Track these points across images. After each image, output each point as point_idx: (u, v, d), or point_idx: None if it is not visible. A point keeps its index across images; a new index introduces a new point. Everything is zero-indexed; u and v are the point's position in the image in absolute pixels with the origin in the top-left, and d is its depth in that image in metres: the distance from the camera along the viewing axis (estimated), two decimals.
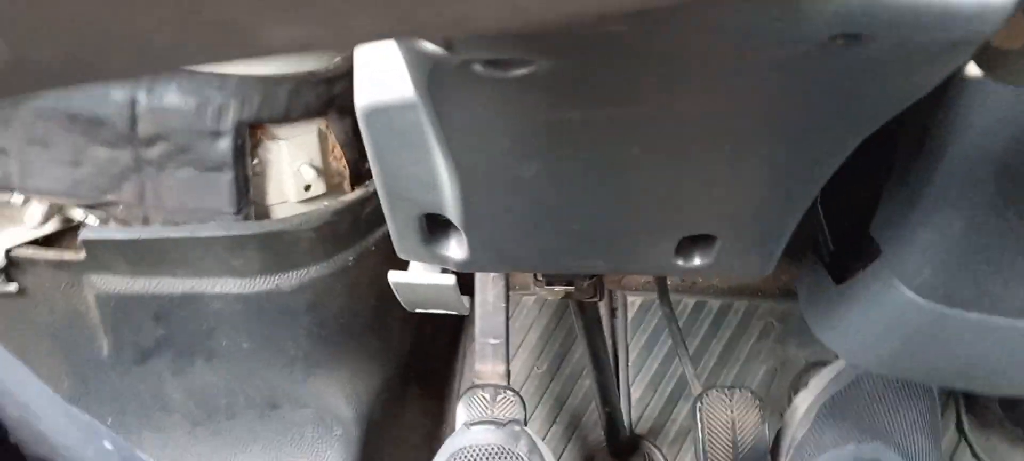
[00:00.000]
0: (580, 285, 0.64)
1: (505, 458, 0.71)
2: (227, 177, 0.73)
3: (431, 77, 0.30)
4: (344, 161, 0.81)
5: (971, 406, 1.01)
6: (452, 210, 0.43)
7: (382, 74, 0.38)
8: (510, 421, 0.75)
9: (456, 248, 0.48)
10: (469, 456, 0.71)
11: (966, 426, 1.00)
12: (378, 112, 0.39)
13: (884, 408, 0.80)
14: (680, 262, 0.48)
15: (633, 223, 0.44)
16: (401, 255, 0.50)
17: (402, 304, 0.56)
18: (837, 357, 0.89)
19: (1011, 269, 0.44)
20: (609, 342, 1.08)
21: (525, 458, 0.72)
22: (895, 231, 0.49)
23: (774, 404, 1.00)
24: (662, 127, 0.34)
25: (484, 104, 0.33)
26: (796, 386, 0.99)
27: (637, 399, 1.03)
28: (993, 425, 1.01)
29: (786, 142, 0.37)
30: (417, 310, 0.59)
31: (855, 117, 0.34)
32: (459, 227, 0.45)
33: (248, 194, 0.75)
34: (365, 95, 0.39)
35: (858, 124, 0.35)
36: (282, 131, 0.75)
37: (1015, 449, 0.99)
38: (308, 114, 0.76)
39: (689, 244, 0.47)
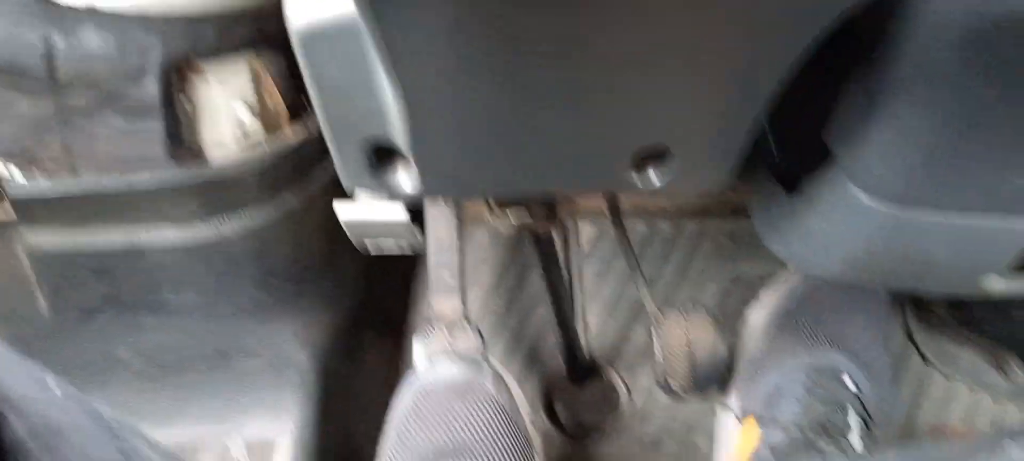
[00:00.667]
0: (535, 212, 0.62)
1: (470, 391, 0.70)
2: (157, 123, 0.70)
3: None
4: (280, 100, 0.78)
5: (919, 311, 1.04)
6: (400, 137, 0.41)
7: None
8: (471, 354, 0.74)
9: (406, 178, 0.46)
10: (433, 392, 0.70)
11: (914, 330, 1.02)
12: (315, 35, 0.37)
13: (837, 318, 0.81)
14: (635, 179, 0.47)
15: (587, 138, 0.43)
16: (348, 189, 0.48)
17: (353, 243, 0.54)
18: (789, 271, 0.90)
19: (967, 165, 0.44)
20: (564, 270, 1.08)
21: (490, 390, 0.71)
22: (848, 135, 0.48)
23: (729, 321, 1.01)
24: (614, 34, 0.33)
25: (433, 19, 0.31)
26: (750, 301, 1.01)
27: (594, 325, 1.03)
28: (940, 328, 1.04)
29: (734, 45, 0.36)
30: (368, 246, 0.57)
31: (800, 15, 0.33)
32: (408, 155, 0.43)
33: (181, 139, 0.72)
34: (300, 16, 0.36)
35: (804, 23, 0.34)
36: (212, 71, 0.72)
37: (962, 349, 1.02)
38: (238, 52, 0.72)
39: (644, 160, 0.46)
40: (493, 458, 0.68)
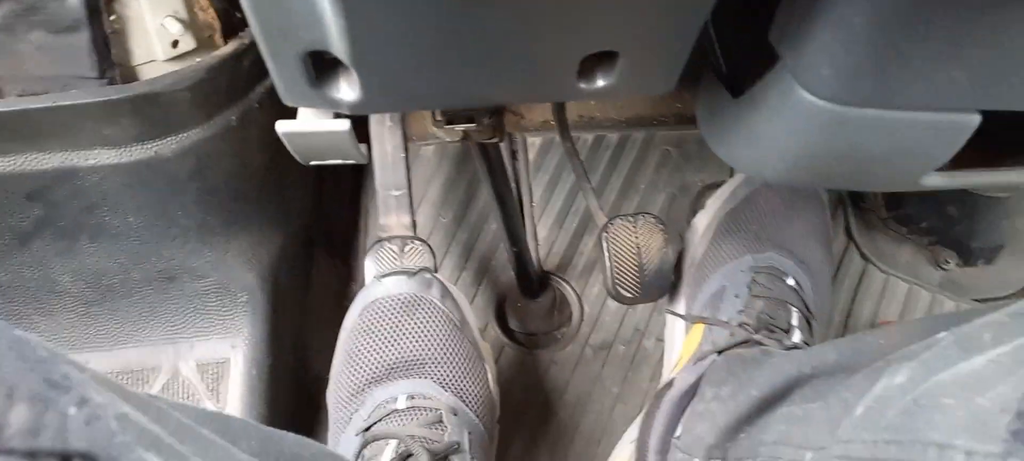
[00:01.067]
0: (481, 123, 0.61)
1: (419, 306, 0.71)
2: (84, 37, 0.66)
3: None
4: (212, 12, 0.75)
5: (858, 212, 1.06)
6: (338, 46, 0.40)
7: None
8: (420, 269, 0.74)
9: (347, 89, 0.45)
10: (382, 308, 0.70)
11: (854, 230, 1.05)
12: None
13: (777, 220, 0.82)
14: (583, 85, 0.46)
15: (535, 45, 0.42)
16: (287, 102, 0.47)
17: (295, 157, 0.53)
18: (734, 178, 0.91)
19: (909, 60, 0.45)
20: (512, 184, 1.07)
21: (439, 304, 0.71)
22: (793, 36, 0.48)
23: (676, 226, 1.03)
24: None
25: None
26: (695, 208, 1.02)
27: (544, 237, 1.04)
28: (878, 227, 1.06)
29: None
30: (313, 163, 0.56)
31: None
32: (348, 64, 0.42)
33: (110, 55, 0.69)
34: None
35: None
36: None
37: (899, 247, 1.06)
38: None
39: (591, 65, 0.45)
40: (442, 370, 0.69)
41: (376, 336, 0.69)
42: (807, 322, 0.76)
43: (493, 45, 0.41)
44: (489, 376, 0.74)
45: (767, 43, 0.52)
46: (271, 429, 0.54)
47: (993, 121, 0.50)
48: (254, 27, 0.40)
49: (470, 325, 0.74)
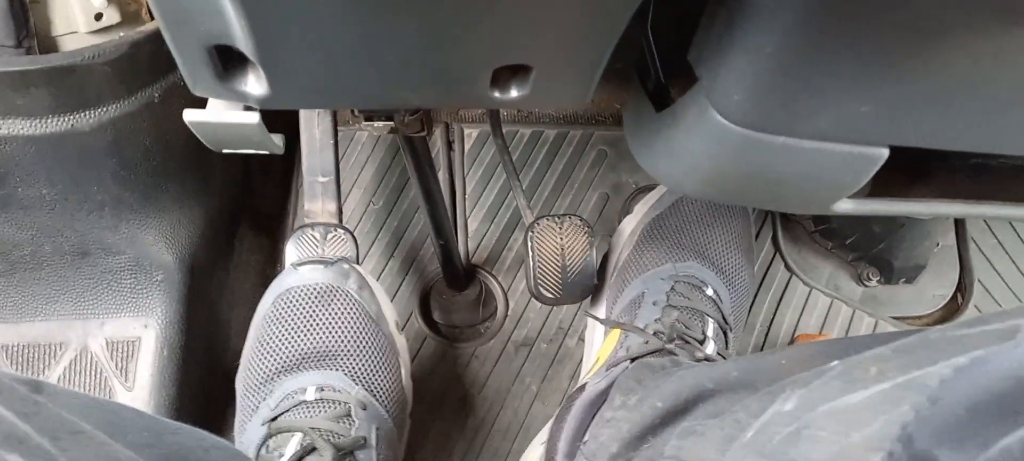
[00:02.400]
0: (403, 119, 0.61)
1: (334, 296, 0.70)
2: (1, 5, 0.64)
3: None
4: None
5: (785, 224, 1.08)
6: (242, 41, 0.39)
7: None
8: (339, 259, 0.73)
9: (255, 83, 0.44)
10: (295, 296, 0.69)
11: (781, 241, 1.07)
12: None
13: (700, 228, 0.83)
14: (497, 94, 0.46)
15: (445, 55, 0.41)
16: (195, 92, 0.45)
17: (207, 145, 0.52)
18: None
19: (818, 92, 0.45)
20: (446, 175, 1.07)
21: (355, 295, 0.70)
22: (709, 58, 0.48)
23: (606, 227, 1.03)
24: None
25: None
26: (626, 210, 1.03)
27: (474, 230, 1.04)
28: (804, 240, 1.08)
29: None
30: (225, 150, 0.55)
31: None
32: (252, 60, 0.41)
33: (28, 24, 0.67)
34: None
35: None
36: None
37: (823, 261, 1.08)
38: None
39: (506, 75, 0.45)
40: (354, 363, 0.68)
41: (288, 325, 0.68)
42: (723, 333, 0.78)
43: (400, 50, 0.41)
44: (402, 371, 0.73)
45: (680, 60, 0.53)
46: (167, 421, 0.53)
47: (903, 152, 0.52)
48: (158, 17, 0.39)
49: (386, 318, 0.73)
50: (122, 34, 0.71)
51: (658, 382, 0.64)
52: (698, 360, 0.71)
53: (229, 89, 0.44)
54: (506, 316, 1.00)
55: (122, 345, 0.84)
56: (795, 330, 1.03)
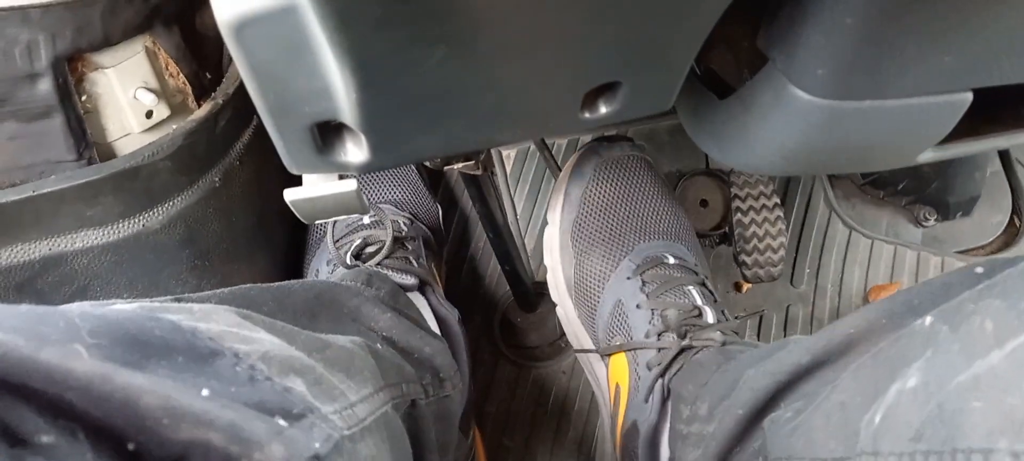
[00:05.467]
0: (475, 159, 0.61)
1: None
2: (57, 122, 0.65)
3: None
4: (182, 77, 0.74)
5: (835, 181, 1.08)
6: (348, 115, 0.40)
7: None
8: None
9: (355, 151, 0.44)
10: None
11: (833, 200, 1.06)
12: (250, 24, 0.34)
13: (621, 209, 0.83)
14: (587, 115, 0.46)
15: (541, 88, 0.42)
16: (293, 171, 0.46)
17: (301, 219, 0.52)
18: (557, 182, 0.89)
19: (900, 53, 0.45)
20: (495, 200, 1.07)
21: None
22: (783, 40, 0.48)
23: None
24: None
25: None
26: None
27: (533, 248, 1.04)
28: (855, 194, 1.08)
29: None
30: (316, 221, 0.55)
31: None
32: (357, 130, 0.41)
33: (86, 136, 0.68)
34: (228, 6, 0.34)
35: None
36: (106, 58, 0.67)
37: (879, 211, 1.08)
38: (130, 33, 0.68)
39: (594, 96, 0.45)
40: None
41: None
42: (703, 286, 0.77)
43: (500, 94, 0.41)
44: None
45: (742, 44, 0.53)
46: (279, 284, 0.60)
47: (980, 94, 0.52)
48: (260, 107, 0.40)
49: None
50: (174, 127, 0.72)
51: (719, 383, 0.62)
52: (703, 329, 0.71)
53: (328, 162, 0.45)
54: None
55: None
56: (865, 285, 1.02)
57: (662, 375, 0.70)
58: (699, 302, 0.74)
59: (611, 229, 0.81)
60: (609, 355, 0.78)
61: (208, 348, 0.40)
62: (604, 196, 0.82)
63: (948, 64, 0.47)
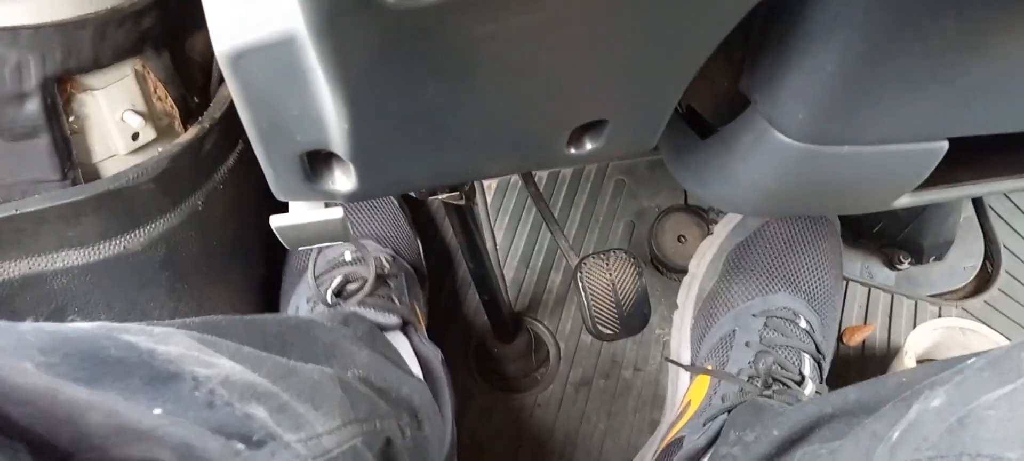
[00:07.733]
0: (460, 190, 0.62)
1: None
2: (43, 142, 0.65)
3: (332, 12, 0.27)
4: (170, 101, 0.74)
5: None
6: (339, 144, 0.40)
7: (243, 10, 0.34)
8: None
9: (343, 180, 0.45)
10: None
11: None
12: (248, 54, 0.35)
13: (789, 255, 0.81)
14: (572, 151, 0.47)
15: (529, 123, 0.42)
16: (280, 198, 0.46)
17: (285, 245, 0.53)
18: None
19: (878, 100, 0.47)
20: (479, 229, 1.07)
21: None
22: (765, 83, 0.50)
23: (640, 253, 1.04)
24: (565, 25, 0.33)
25: (391, 33, 0.30)
26: (655, 233, 1.04)
27: (512, 279, 1.04)
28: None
29: (680, 16, 0.36)
30: (299, 247, 0.55)
31: None
32: (346, 159, 0.42)
33: (71, 156, 0.67)
34: (227, 38, 0.34)
35: None
36: (95, 80, 0.67)
37: (853, 252, 1.09)
38: (120, 56, 0.68)
39: (580, 132, 0.46)
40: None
41: None
42: (818, 364, 0.76)
43: (490, 129, 0.42)
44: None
45: (723, 84, 0.54)
46: (251, 316, 0.59)
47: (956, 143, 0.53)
48: (252, 134, 0.40)
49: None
50: (160, 149, 0.72)
51: (775, 416, 0.64)
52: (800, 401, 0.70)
53: (315, 190, 0.45)
54: (559, 359, 1.00)
55: None
56: (839, 326, 1.04)
57: (729, 411, 0.71)
58: (806, 373, 0.74)
59: (768, 265, 0.81)
60: (695, 378, 0.79)
61: (166, 370, 0.39)
62: (779, 237, 0.82)
63: (924, 113, 0.49)
